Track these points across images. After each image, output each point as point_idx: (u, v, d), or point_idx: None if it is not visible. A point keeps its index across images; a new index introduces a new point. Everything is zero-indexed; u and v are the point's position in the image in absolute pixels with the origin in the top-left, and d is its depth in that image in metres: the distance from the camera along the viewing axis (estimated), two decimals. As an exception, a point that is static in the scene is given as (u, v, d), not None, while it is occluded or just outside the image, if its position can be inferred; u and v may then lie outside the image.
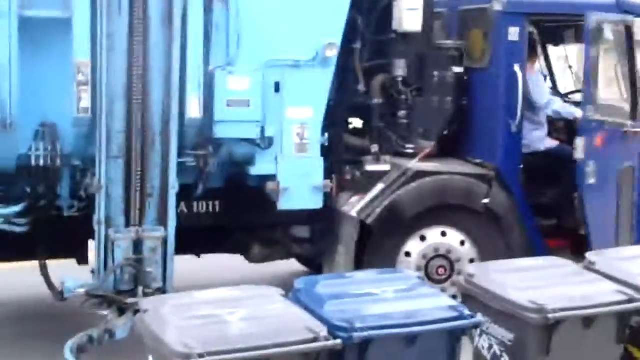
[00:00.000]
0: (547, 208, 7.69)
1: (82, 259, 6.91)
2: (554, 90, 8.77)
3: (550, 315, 4.86)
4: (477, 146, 7.48)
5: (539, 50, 8.41)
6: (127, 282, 6.01)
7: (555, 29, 8.24)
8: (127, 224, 6.04)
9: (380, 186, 7.07)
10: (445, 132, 7.44)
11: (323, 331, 4.33)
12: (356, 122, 7.58)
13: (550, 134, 7.95)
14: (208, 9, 6.31)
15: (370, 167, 7.18)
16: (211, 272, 7.95)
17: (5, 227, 6.32)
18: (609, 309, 5.04)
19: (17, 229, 6.36)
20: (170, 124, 6.04)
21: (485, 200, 7.12)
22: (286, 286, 4.99)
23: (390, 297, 4.77)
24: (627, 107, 7.01)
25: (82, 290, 6.05)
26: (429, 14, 7.32)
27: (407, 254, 7.06)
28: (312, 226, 7.41)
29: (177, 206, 6.26)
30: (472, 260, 7.10)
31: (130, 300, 5.90)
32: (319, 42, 6.59)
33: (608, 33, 7.18)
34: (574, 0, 7.63)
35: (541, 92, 7.78)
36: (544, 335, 4.91)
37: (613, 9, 7.17)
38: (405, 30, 7.21)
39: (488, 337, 5.17)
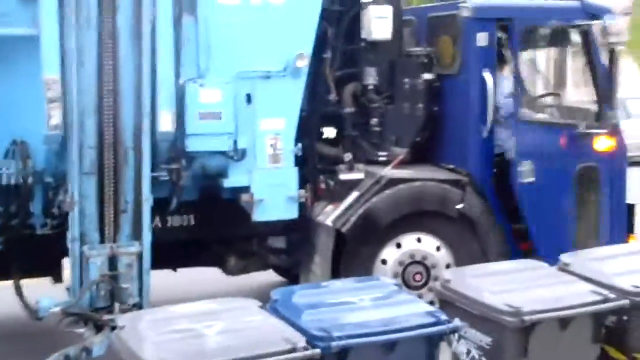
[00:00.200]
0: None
1: (57, 278, 6.86)
2: (524, 93, 8.83)
3: (526, 318, 4.89)
4: (450, 152, 7.52)
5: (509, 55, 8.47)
6: (103, 299, 5.97)
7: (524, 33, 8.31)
8: (102, 240, 6.01)
9: (354, 195, 7.08)
10: (418, 139, 7.48)
11: (301, 342, 4.33)
12: (329, 132, 7.59)
13: None
14: (178, 23, 6.30)
15: (344, 176, 7.20)
16: (188, 286, 7.91)
17: (-22, 247, 6.27)
18: (584, 310, 5.08)
19: (-10, 249, 6.31)
20: (142, 138, 6.02)
21: (460, 206, 7.16)
22: (264, 298, 4.99)
23: (368, 305, 4.78)
24: (583, 108, 7.17)
25: (57, 309, 6.00)
26: (398, 22, 7.37)
27: (384, 262, 7.08)
28: (288, 237, 7.41)
29: (152, 221, 6.23)
30: (448, 266, 7.13)
31: (106, 317, 5.86)
32: (290, 53, 6.60)
33: (566, 37, 7.31)
34: (541, 5, 7.73)
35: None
36: (521, 338, 4.94)
37: (579, 12, 7.25)
38: (375, 39, 7.26)
39: (466, 341, 5.19)
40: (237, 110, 6.48)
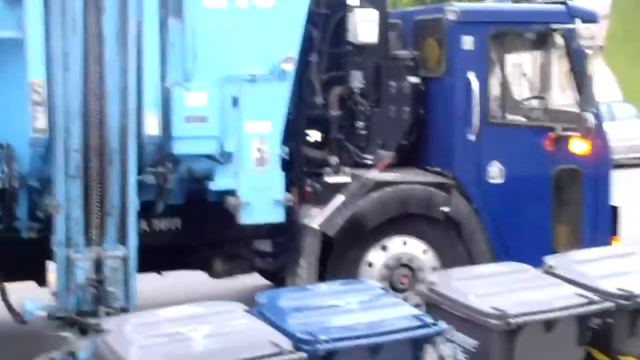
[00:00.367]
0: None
1: (42, 281, 6.83)
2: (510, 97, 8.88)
3: (511, 321, 4.92)
4: (435, 155, 7.54)
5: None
6: (89, 302, 5.95)
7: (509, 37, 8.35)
8: (87, 243, 5.99)
9: (340, 197, 7.09)
10: (404, 142, 7.49)
11: (287, 345, 4.33)
12: (315, 135, 7.59)
13: None
14: (163, 26, 6.30)
15: (330, 179, 7.21)
16: (173, 289, 7.90)
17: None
18: (569, 312, 5.11)
19: (-25, 253, 6.28)
20: (128, 141, 6.01)
21: (445, 209, 7.18)
22: (249, 301, 4.99)
23: (354, 308, 4.80)
24: (565, 111, 7.22)
25: (43, 313, 5.97)
26: (384, 25, 7.39)
27: (370, 265, 7.09)
28: (274, 240, 7.41)
29: (138, 224, 6.21)
30: (434, 269, 7.14)
31: (92, 321, 5.84)
32: (276, 56, 6.60)
33: (548, 40, 7.37)
34: (526, 8, 7.77)
35: None
36: (506, 341, 4.96)
37: (564, 16, 7.30)
38: (361, 42, 7.27)
39: (452, 344, 5.21)
40: (223, 113, 6.48)
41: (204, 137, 6.44)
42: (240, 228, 6.77)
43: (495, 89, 7.50)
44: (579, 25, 7.03)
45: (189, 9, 6.41)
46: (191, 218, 6.97)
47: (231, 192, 6.67)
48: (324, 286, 5.39)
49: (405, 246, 7.17)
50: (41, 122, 5.87)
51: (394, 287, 7.02)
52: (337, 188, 7.16)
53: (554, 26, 7.28)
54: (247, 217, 6.67)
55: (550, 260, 5.80)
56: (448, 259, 7.13)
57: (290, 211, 6.91)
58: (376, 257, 7.10)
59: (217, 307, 4.84)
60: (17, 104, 5.93)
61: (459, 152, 7.35)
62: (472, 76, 7.20)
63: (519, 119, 7.74)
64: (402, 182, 7.19)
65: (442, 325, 4.81)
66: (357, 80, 7.39)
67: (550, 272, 5.65)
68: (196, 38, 6.42)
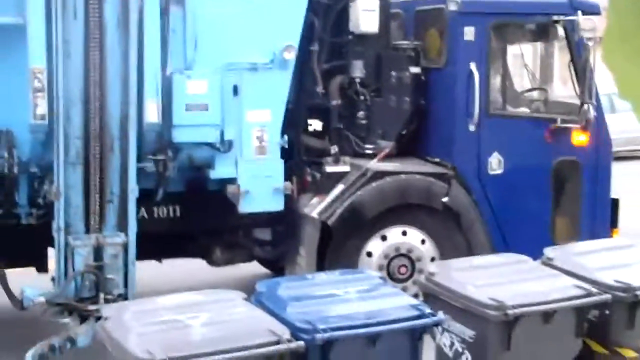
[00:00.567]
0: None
1: (42, 267, 6.84)
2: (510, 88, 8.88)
3: (509, 312, 4.93)
4: (436, 145, 7.54)
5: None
6: (88, 289, 5.97)
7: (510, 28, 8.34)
8: (87, 230, 6.00)
9: (340, 187, 7.10)
10: (404, 132, 7.49)
11: (286, 333, 4.34)
12: (315, 124, 7.59)
13: None
14: (164, 13, 6.29)
15: (330, 168, 7.21)
16: (173, 277, 7.91)
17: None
18: (567, 304, 5.12)
19: (-26, 239, 6.29)
20: (128, 129, 6.01)
21: (445, 199, 7.18)
22: (248, 289, 5.00)
23: (352, 297, 4.81)
24: (565, 103, 7.21)
25: (42, 299, 5.99)
26: (386, 15, 7.38)
27: (369, 254, 7.10)
28: (274, 228, 7.42)
29: (137, 211, 6.22)
30: (433, 259, 7.16)
31: (91, 307, 5.86)
32: (277, 44, 6.60)
33: (550, 31, 7.36)
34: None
35: None
36: (504, 331, 4.98)
37: (566, 7, 7.28)
38: (362, 32, 7.26)
39: (449, 334, 5.23)
40: (223, 102, 6.48)
41: (204, 125, 6.44)
42: (240, 216, 6.78)
43: (496, 80, 7.50)
44: (580, 17, 7.02)
45: (190, -3, 6.40)
46: (191, 206, 6.98)
47: (231, 181, 6.67)
48: (322, 275, 5.41)
49: (405, 236, 7.18)
50: (42, 108, 5.87)
51: (393, 277, 7.04)
52: (337, 177, 7.16)
53: (556, 17, 7.27)
54: (246, 206, 6.68)
55: (549, 251, 5.80)
56: (447, 250, 7.14)
57: (289, 200, 6.92)
58: (375, 247, 7.11)
59: (216, 295, 4.85)
60: (18, 90, 5.93)
61: (459, 142, 7.35)
62: (473, 67, 7.19)
63: (520, 110, 7.74)
64: (401, 172, 7.20)
65: (440, 315, 4.82)
66: (357, 69, 7.38)
67: (548, 263, 5.65)
68: (197, 26, 6.42)
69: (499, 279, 5.29)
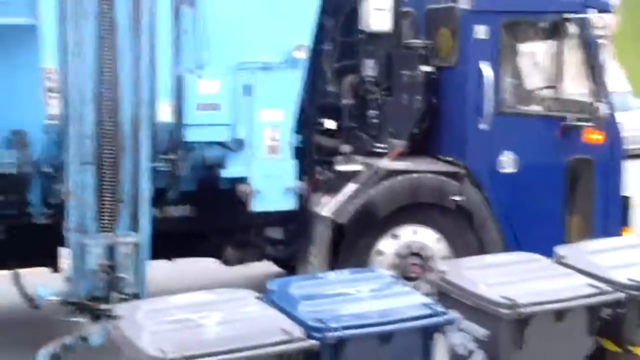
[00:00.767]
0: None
1: (55, 267, 6.86)
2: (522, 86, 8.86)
3: (522, 310, 4.92)
4: (447, 144, 7.54)
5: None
6: (101, 288, 5.98)
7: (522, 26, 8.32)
8: (100, 230, 6.01)
9: (352, 186, 7.10)
10: (416, 131, 7.49)
11: (298, 332, 4.35)
12: (327, 123, 7.60)
13: None
14: (176, 13, 6.31)
15: (342, 167, 7.21)
16: (185, 276, 7.93)
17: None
18: (580, 302, 5.11)
19: (-12, 238, 6.32)
20: (140, 128, 6.01)
21: (457, 198, 7.17)
22: (260, 288, 5.01)
23: (364, 296, 4.81)
24: (578, 101, 7.18)
25: (55, 298, 6.01)
26: (397, 14, 7.37)
27: (380, 253, 7.10)
28: (286, 227, 7.42)
29: (150, 211, 6.23)
30: (445, 258, 7.15)
31: (104, 307, 5.87)
32: (289, 44, 6.60)
33: (563, 29, 7.34)
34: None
35: None
36: (516, 330, 4.97)
37: (578, 5, 7.26)
38: (373, 30, 7.26)
39: (462, 333, 5.22)
40: (235, 101, 6.49)
41: (216, 124, 6.45)
42: (252, 216, 6.79)
43: (507, 78, 7.48)
44: (592, 14, 7.00)
45: (202, -3, 6.41)
46: (203, 205, 6.99)
47: (243, 180, 6.68)
48: (334, 274, 5.40)
49: (416, 235, 7.17)
50: (54, 108, 5.90)
51: (405, 276, 7.03)
52: (349, 176, 7.16)
53: (568, 15, 7.25)
54: (258, 205, 6.69)
55: (561, 250, 5.79)
56: (459, 248, 7.14)
57: (301, 199, 6.93)
58: (387, 246, 7.11)
59: (229, 294, 4.86)
60: (31, 90, 5.96)
61: (471, 141, 7.34)
62: (484, 65, 7.18)
63: (532, 108, 7.71)
64: (413, 171, 7.19)
65: (453, 314, 4.81)
66: (369, 68, 7.39)
67: (561, 262, 5.64)
68: (209, 25, 6.43)
69: (511, 278, 5.28)
